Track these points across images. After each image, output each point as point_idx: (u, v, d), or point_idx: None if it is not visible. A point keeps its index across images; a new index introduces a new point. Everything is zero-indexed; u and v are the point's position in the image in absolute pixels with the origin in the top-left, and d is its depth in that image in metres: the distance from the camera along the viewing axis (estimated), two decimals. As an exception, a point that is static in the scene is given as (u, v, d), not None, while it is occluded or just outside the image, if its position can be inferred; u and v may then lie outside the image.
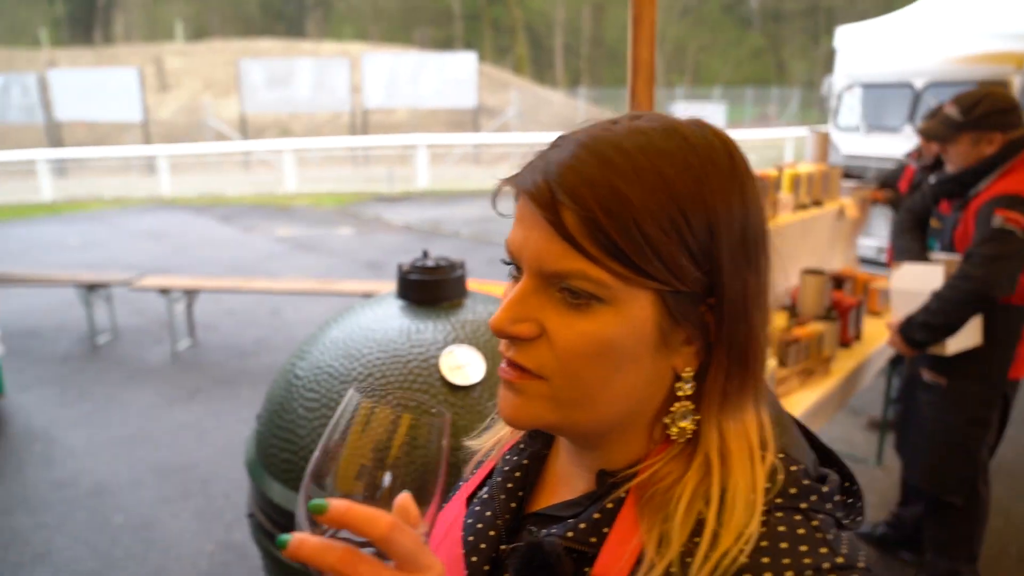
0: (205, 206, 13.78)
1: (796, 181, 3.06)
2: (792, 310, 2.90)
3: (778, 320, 2.63)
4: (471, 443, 0.79)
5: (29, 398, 4.81)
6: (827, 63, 7.27)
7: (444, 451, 0.54)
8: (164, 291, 5.58)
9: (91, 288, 5.76)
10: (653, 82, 1.68)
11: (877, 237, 6.31)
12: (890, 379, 3.61)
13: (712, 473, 0.57)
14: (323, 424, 1.52)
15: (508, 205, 0.63)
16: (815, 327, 2.61)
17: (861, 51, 6.82)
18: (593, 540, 0.60)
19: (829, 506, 0.58)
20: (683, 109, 13.86)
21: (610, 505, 0.60)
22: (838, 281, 3.25)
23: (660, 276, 0.55)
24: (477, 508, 0.72)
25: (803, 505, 0.56)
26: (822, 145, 3.37)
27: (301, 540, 0.49)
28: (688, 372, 0.60)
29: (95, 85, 17.71)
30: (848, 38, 6.94)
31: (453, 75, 19.04)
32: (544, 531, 0.63)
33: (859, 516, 0.62)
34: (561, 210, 0.55)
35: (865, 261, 6.18)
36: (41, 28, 34.75)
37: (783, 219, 2.89)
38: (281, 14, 43.46)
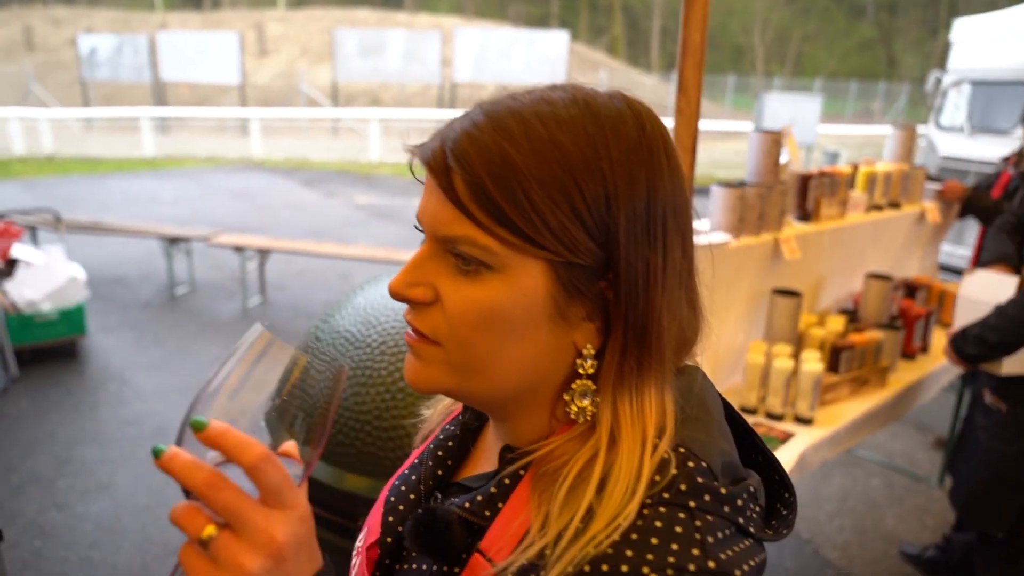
0: (291, 169, 14.22)
1: (871, 180, 2.89)
2: (852, 315, 2.76)
3: (834, 324, 2.50)
4: (426, 412, 0.80)
5: (109, 340, 5.10)
6: (942, 58, 6.79)
7: (334, 401, 0.54)
8: (239, 249, 5.80)
9: (172, 241, 6.04)
10: (702, 66, 1.60)
11: (969, 246, 5.92)
12: (960, 396, 3.39)
13: (599, 454, 0.55)
14: (355, 396, 1.54)
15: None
16: (873, 335, 2.47)
17: (978, 45, 6.36)
18: (487, 514, 0.60)
19: (727, 509, 0.54)
20: (775, 99, 13.30)
21: (507, 481, 0.60)
22: (911, 289, 3.07)
23: (550, 246, 0.54)
24: (406, 472, 0.73)
25: (692, 503, 0.53)
26: (906, 143, 3.17)
27: (175, 454, 0.49)
28: (589, 349, 0.58)
29: (199, 48, 18.45)
30: (966, 31, 6.47)
31: (543, 53, 18.89)
32: (450, 501, 0.64)
33: (785, 528, 0.60)
34: (452, 175, 0.54)
35: (951, 270, 5.84)
36: (156, -9, 36.41)
37: (851, 219, 2.74)
38: (381, -15, 44.08)
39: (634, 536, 0.52)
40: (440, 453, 0.72)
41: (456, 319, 0.57)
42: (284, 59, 24.35)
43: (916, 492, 3.47)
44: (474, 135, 0.54)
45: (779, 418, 2.20)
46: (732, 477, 0.58)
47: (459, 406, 0.75)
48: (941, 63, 6.77)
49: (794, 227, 2.54)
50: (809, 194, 2.59)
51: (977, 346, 2.27)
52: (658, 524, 0.52)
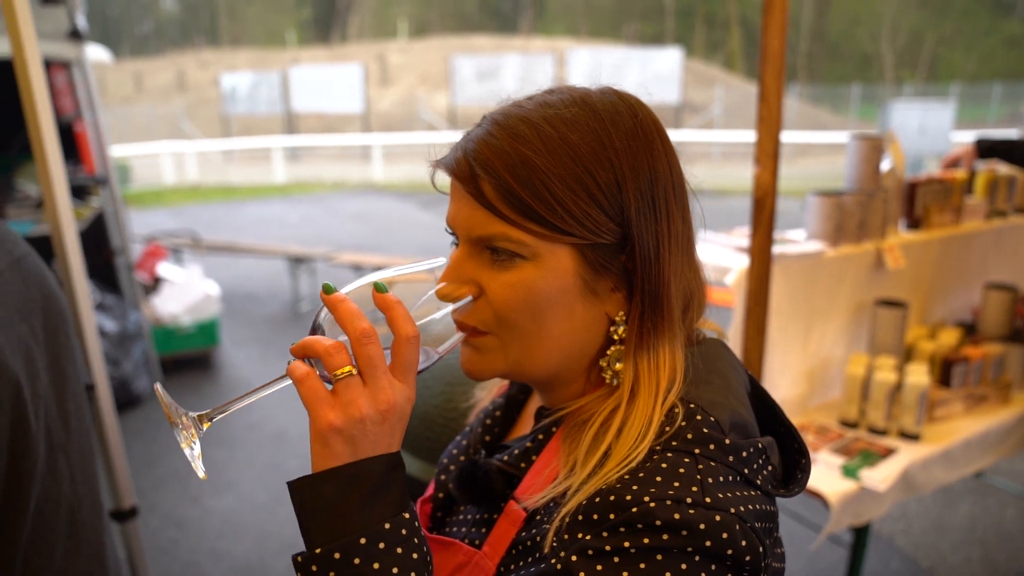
0: (410, 192, 14.81)
1: (992, 184, 2.71)
2: (970, 328, 2.59)
3: (947, 337, 2.37)
4: (480, 394, 0.90)
5: (239, 352, 5.52)
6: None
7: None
8: (357, 267, 6.12)
9: (297, 261, 6.46)
10: (783, 73, 1.60)
11: None
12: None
13: (620, 405, 0.62)
14: (424, 386, 1.63)
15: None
16: (992, 348, 2.32)
17: None
18: (523, 465, 0.68)
19: (731, 459, 0.60)
20: (902, 107, 12.57)
21: (541, 436, 0.68)
22: (1042, 301, 2.85)
23: (574, 231, 0.61)
24: (458, 439, 0.83)
25: (697, 450, 0.59)
26: (1034, 145, 2.94)
27: (343, 298, 0.59)
28: (621, 316, 0.65)
29: (326, 80, 19.66)
30: None
31: (657, 70, 18.76)
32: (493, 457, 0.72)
33: (797, 487, 0.67)
34: (479, 182, 0.61)
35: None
36: (289, 31, 39.12)
37: (966, 226, 2.58)
38: (497, 11, 45.28)
39: (641, 475, 0.57)
40: (488, 421, 0.80)
41: (500, 305, 0.63)
42: (405, 87, 25.45)
43: (1057, 526, 3.17)
44: (492, 143, 0.61)
45: (882, 433, 2.10)
46: (742, 435, 0.63)
47: (506, 383, 0.83)
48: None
49: (900, 236, 2.43)
50: (917, 201, 2.47)
51: None
52: (664, 466, 0.58)
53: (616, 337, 0.65)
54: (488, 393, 0.88)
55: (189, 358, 5.14)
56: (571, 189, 0.60)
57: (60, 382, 0.93)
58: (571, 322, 0.64)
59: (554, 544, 0.58)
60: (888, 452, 2.00)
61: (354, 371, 0.57)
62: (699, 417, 0.61)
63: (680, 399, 0.63)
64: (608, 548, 0.55)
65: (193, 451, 0.60)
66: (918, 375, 2.06)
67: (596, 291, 0.64)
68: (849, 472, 1.90)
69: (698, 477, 0.57)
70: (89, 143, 4.01)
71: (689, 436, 0.60)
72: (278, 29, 42.13)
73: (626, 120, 0.63)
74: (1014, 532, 3.13)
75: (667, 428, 0.60)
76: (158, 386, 0.61)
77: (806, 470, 0.68)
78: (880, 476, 1.88)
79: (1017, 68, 34.69)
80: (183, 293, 5.07)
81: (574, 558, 0.56)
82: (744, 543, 0.56)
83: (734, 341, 2.04)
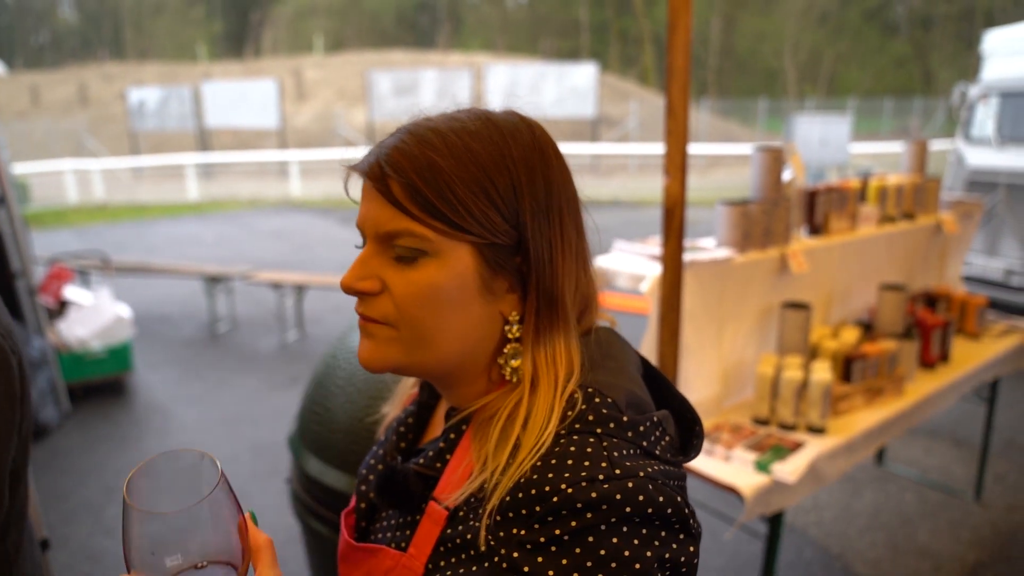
0: (329, 208, 14.60)
1: (882, 193, 2.92)
2: (868, 327, 2.77)
3: (848, 336, 2.53)
4: (385, 409, 0.92)
5: (154, 376, 5.31)
6: (976, 71, 6.76)
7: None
8: (276, 285, 6.00)
9: (214, 280, 6.28)
10: (688, 88, 1.69)
11: (1006, 258, 5.83)
12: (991, 408, 3.35)
13: (523, 399, 0.67)
14: (349, 400, 1.65)
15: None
16: (887, 345, 2.49)
17: (1009, 57, 6.31)
18: (438, 465, 0.72)
19: (630, 434, 0.65)
20: (805, 121, 13.26)
21: (452, 436, 0.72)
22: (931, 299, 3.08)
23: (474, 230, 0.66)
24: (374, 449, 0.86)
25: (599, 430, 0.64)
26: (918, 156, 3.19)
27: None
28: (514, 316, 0.70)
29: (240, 95, 19.17)
30: (997, 43, 6.44)
31: (574, 85, 19.16)
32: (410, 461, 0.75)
33: (693, 452, 0.73)
34: (388, 181, 0.66)
35: (989, 284, 5.74)
36: (200, 44, 37.98)
37: (862, 232, 2.77)
38: (414, 26, 45.26)
39: (553, 461, 0.62)
40: (401, 429, 0.83)
41: (403, 300, 0.67)
42: (321, 102, 25.09)
43: (951, 507, 3.41)
44: (403, 148, 0.67)
45: (791, 428, 2.23)
46: (638, 411, 0.69)
47: (416, 392, 0.86)
48: (976, 76, 6.72)
49: (803, 241, 2.58)
50: (817, 208, 2.63)
51: None
52: (572, 449, 0.62)
53: (511, 336, 0.69)
54: (395, 406, 0.90)
55: (100, 384, 4.91)
56: (472, 191, 0.65)
57: None
58: (468, 319, 0.68)
59: (491, 542, 0.62)
60: (797, 446, 2.12)
61: None
62: (597, 400, 0.66)
63: (579, 385, 0.67)
64: (543, 540, 0.59)
65: None
66: (822, 372, 2.19)
67: (492, 290, 0.68)
68: (761, 467, 2.01)
69: (604, 454, 0.62)
70: (-15, 161, 3.81)
71: (590, 418, 0.64)
72: (188, 43, 40.83)
73: (524, 136, 0.69)
74: (912, 514, 3.35)
75: (569, 413, 0.65)
76: None
77: (700, 435, 0.75)
78: (789, 468, 1.99)
79: (906, 85, 37.12)
80: (92, 316, 4.85)
81: (516, 554, 0.60)
82: (661, 498, 0.61)
83: (650, 346, 2.12)
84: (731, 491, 1.94)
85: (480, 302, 0.68)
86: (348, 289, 0.69)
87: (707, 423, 2.30)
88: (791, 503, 2.03)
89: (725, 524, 3.02)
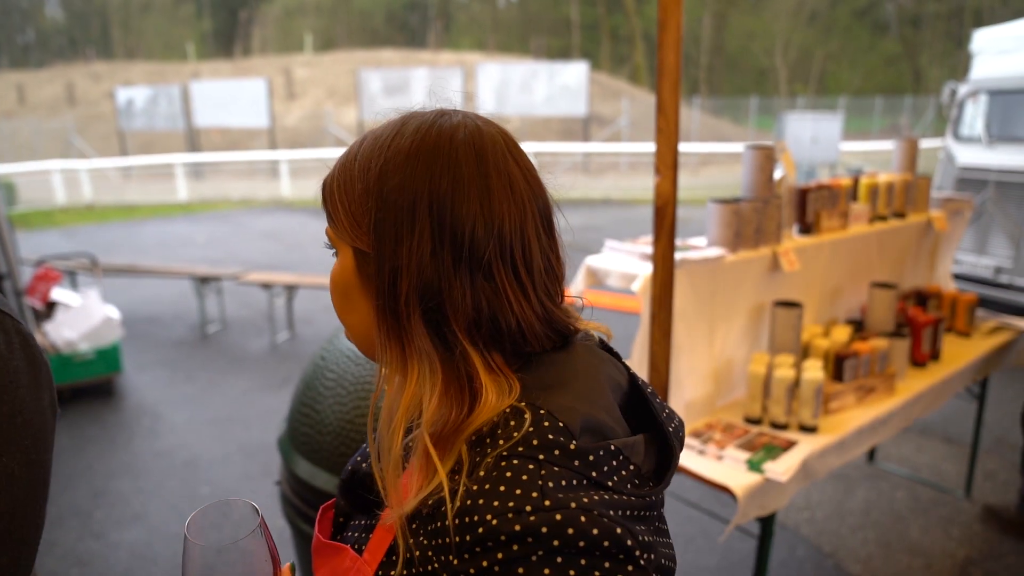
0: (319, 208, 14.48)
1: (873, 191, 2.92)
2: (859, 325, 2.78)
3: (839, 334, 2.53)
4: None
5: (144, 377, 5.27)
6: (966, 70, 6.80)
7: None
8: (266, 286, 5.97)
9: (204, 281, 6.24)
10: (679, 87, 1.68)
11: (995, 256, 5.85)
12: (982, 406, 3.36)
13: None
14: (338, 402, 1.63)
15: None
16: (878, 343, 2.49)
17: (998, 55, 6.34)
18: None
19: (577, 463, 0.62)
20: (795, 119, 13.31)
21: (410, 444, 0.71)
22: (922, 297, 3.08)
23: (343, 235, 0.69)
24: (364, 446, 0.86)
25: (541, 456, 0.61)
26: (909, 154, 3.19)
27: None
28: None
29: (230, 94, 19.07)
30: (987, 41, 6.46)
31: (565, 83, 19.14)
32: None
33: (663, 485, 0.68)
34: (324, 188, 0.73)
35: (979, 281, 5.76)
36: (189, 43, 37.77)
37: (853, 230, 2.77)
38: (404, 25, 45.14)
39: (487, 486, 0.60)
40: None
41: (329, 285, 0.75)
42: (311, 101, 25.00)
43: (942, 504, 3.42)
44: (341, 158, 0.72)
45: (783, 427, 2.22)
46: (598, 437, 0.65)
47: None
48: (966, 75, 6.76)
49: (794, 240, 2.58)
50: (808, 207, 2.63)
51: None
52: (508, 475, 0.60)
53: None
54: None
55: (89, 386, 4.87)
56: (339, 197, 0.69)
57: None
58: (358, 314, 0.72)
59: (436, 566, 0.61)
60: (789, 445, 2.12)
61: None
62: (547, 423, 0.63)
63: (530, 405, 0.65)
64: (472, 571, 0.58)
65: None
66: (813, 371, 2.19)
67: (372, 292, 0.69)
68: (753, 466, 2.00)
69: (539, 483, 0.59)
70: (-30, 162, 3.76)
71: (534, 442, 0.62)
72: (176, 41, 40.59)
73: (402, 140, 0.67)
74: (903, 512, 3.36)
75: (515, 434, 0.62)
76: None
77: (673, 466, 0.70)
78: (782, 468, 1.99)
79: (896, 83, 37.28)
80: (80, 318, 4.81)
81: None
82: (595, 531, 0.58)
83: (642, 345, 2.11)
84: (724, 490, 1.94)
85: (365, 301, 0.70)
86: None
87: (699, 422, 2.29)
88: (784, 503, 2.03)
89: (716, 523, 3.02)
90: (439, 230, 0.65)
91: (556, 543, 0.57)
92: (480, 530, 0.58)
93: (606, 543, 0.58)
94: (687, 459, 2.07)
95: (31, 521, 0.77)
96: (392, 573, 0.65)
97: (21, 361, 0.82)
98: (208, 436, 4.30)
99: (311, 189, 16.35)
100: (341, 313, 0.74)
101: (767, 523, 2.08)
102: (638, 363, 2.13)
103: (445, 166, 0.65)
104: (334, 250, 0.72)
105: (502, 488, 0.59)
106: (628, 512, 0.62)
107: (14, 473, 0.77)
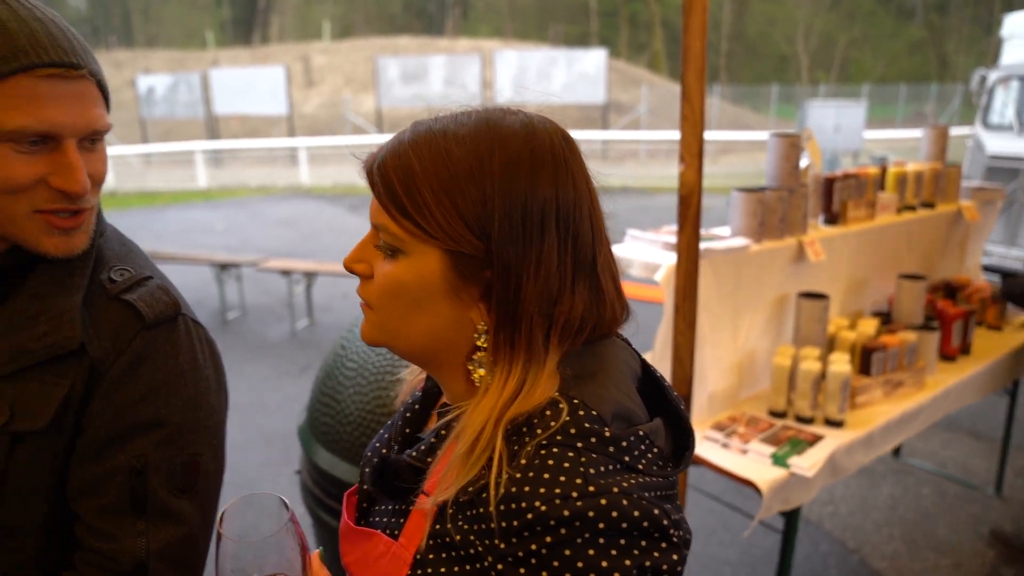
0: (338, 195, 14.57)
1: (901, 180, 2.86)
2: (887, 317, 2.72)
3: (866, 326, 2.48)
4: (404, 374, 0.93)
5: (164, 364, 5.30)
6: (995, 56, 6.63)
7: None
8: (286, 273, 5.98)
9: (224, 268, 6.27)
10: (704, 73, 1.64)
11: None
12: (1013, 400, 3.29)
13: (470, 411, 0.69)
14: (358, 392, 1.61)
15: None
16: (906, 336, 2.44)
17: (1028, 40, 6.19)
18: (429, 460, 0.73)
19: (612, 449, 0.65)
20: (818, 107, 13.11)
21: (443, 432, 0.73)
22: (951, 289, 3.01)
23: (439, 236, 0.67)
24: (381, 432, 0.87)
25: (579, 444, 0.64)
26: (938, 142, 3.12)
27: None
28: (482, 326, 0.70)
29: (249, 82, 19.11)
30: (1018, 26, 6.30)
31: (583, 71, 18.99)
32: (406, 452, 0.76)
33: (683, 464, 0.72)
34: (376, 178, 0.70)
35: (1008, 274, 5.64)
36: (208, 31, 37.93)
37: (881, 220, 2.71)
38: (422, 12, 45.00)
39: (531, 475, 0.62)
40: (408, 415, 0.84)
41: (377, 289, 0.72)
42: (329, 89, 25.00)
43: (970, 500, 3.36)
44: (396, 147, 0.69)
45: (808, 421, 2.18)
46: (626, 424, 0.69)
47: (424, 377, 0.87)
48: (995, 61, 6.60)
49: (820, 230, 2.53)
50: (835, 196, 2.57)
51: None
52: (550, 463, 0.63)
53: (479, 343, 0.70)
54: (404, 391, 0.92)
55: (109, 373, 4.91)
56: (438, 198, 0.66)
57: None
58: (435, 319, 0.70)
59: (478, 547, 0.64)
60: (815, 439, 2.07)
61: None
62: (581, 412, 0.66)
63: (565, 395, 0.67)
64: (521, 554, 0.61)
65: None
66: (840, 364, 2.15)
67: (461, 296, 0.69)
68: (778, 460, 1.96)
69: (581, 470, 0.62)
70: (-7, 149, 3.78)
71: (572, 431, 0.65)
72: (196, 29, 40.73)
73: (515, 145, 0.67)
74: (930, 508, 3.30)
75: (552, 423, 0.65)
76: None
77: (691, 447, 0.75)
78: (808, 463, 1.95)
79: (920, 71, 36.65)
80: (101, 305, 4.84)
81: (500, 566, 0.62)
82: (636, 513, 0.61)
83: (666, 336, 2.08)
84: (748, 484, 1.90)
85: (448, 305, 0.69)
86: (346, 268, 0.74)
87: (722, 415, 2.25)
88: (808, 498, 1.99)
89: (738, 516, 2.98)
90: (564, 239, 0.67)
91: (601, 525, 0.60)
92: (529, 516, 0.61)
93: (645, 523, 0.62)
94: (711, 452, 2.04)
95: (215, 509, 0.92)
96: (431, 556, 0.68)
97: (210, 369, 0.96)
98: (228, 423, 4.31)
99: (329, 176, 16.42)
100: (401, 318, 0.71)
101: (791, 518, 2.04)
102: (661, 354, 2.09)
103: (565, 174, 0.68)
104: (389, 251, 0.69)
105: (546, 476, 0.62)
106: (658, 493, 0.66)
107: (209, 469, 0.92)
